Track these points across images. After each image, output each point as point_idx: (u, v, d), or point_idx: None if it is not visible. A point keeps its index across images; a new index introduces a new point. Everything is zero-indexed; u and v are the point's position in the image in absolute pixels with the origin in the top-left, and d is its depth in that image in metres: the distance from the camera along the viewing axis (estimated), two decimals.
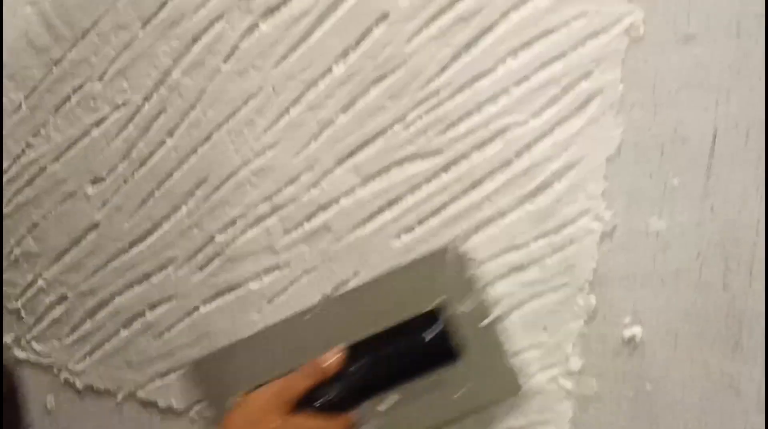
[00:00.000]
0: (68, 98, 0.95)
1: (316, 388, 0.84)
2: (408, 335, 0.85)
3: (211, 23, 0.88)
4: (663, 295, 0.82)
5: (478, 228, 0.85)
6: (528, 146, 0.82)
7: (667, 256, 0.81)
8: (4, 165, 0.98)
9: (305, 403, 0.83)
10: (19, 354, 1.05)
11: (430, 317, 0.84)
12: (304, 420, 0.82)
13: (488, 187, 0.84)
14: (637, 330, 0.83)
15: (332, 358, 0.85)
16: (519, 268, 0.85)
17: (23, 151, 0.98)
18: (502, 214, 0.84)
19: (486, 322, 0.84)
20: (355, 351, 0.86)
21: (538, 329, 0.85)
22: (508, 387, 0.85)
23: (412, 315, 0.85)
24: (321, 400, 0.84)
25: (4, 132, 0.98)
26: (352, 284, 0.90)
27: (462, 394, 0.85)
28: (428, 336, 0.84)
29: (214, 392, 0.90)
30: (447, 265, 0.85)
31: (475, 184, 0.85)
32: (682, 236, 0.80)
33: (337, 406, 0.84)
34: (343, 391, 0.85)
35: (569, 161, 0.82)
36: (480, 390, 0.85)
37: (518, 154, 0.83)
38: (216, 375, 0.90)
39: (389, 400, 0.86)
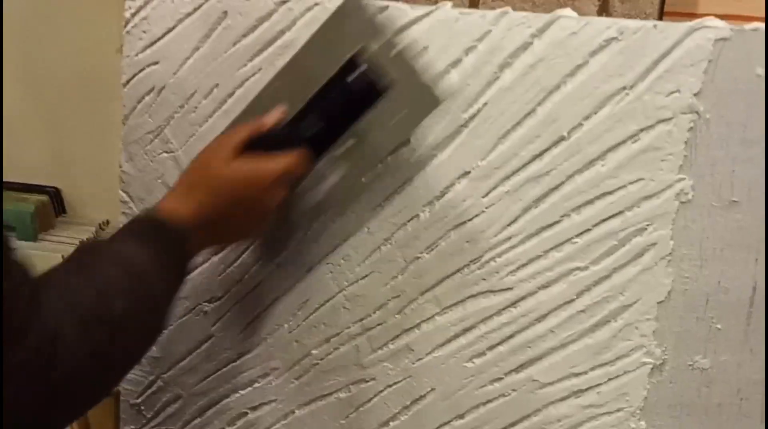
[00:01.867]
0: None
1: (263, 139, 0.79)
2: (338, 84, 0.81)
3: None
4: (706, 425, 0.83)
5: (542, 356, 0.87)
6: (588, 288, 0.84)
7: (710, 390, 0.82)
8: None
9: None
10: None
11: (352, 64, 0.80)
12: (248, 159, 0.77)
13: (552, 321, 0.86)
14: None
15: (270, 113, 0.81)
16: (578, 392, 0.86)
17: None
18: (564, 345, 0.86)
19: (396, 51, 0.80)
20: (304, 114, 0.82)
21: None
22: (431, 101, 0.82)
23: (336, 68, 0.81)
24: (263, 139, 0.79)
25: None
26: (429, 399, 0.92)
27: (397, 119, 0.82)
28: (351, 78, 0.80)
29: None
30: (353, 15, 0.81)
31: (540, 318, 0.86)
32: (724, 374, 0.82)
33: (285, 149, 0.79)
34: (286, 132, 0.80)
35: (625, 303, 0.83)
36: (410, 110, 0.82)
37: (579, 294, 0.85)
38: None
39: (343, 146, 0.84)
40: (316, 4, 0.88)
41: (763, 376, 0.81)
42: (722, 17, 0.80)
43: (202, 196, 0.75)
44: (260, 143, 0.79)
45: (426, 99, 0.82)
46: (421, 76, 0.81)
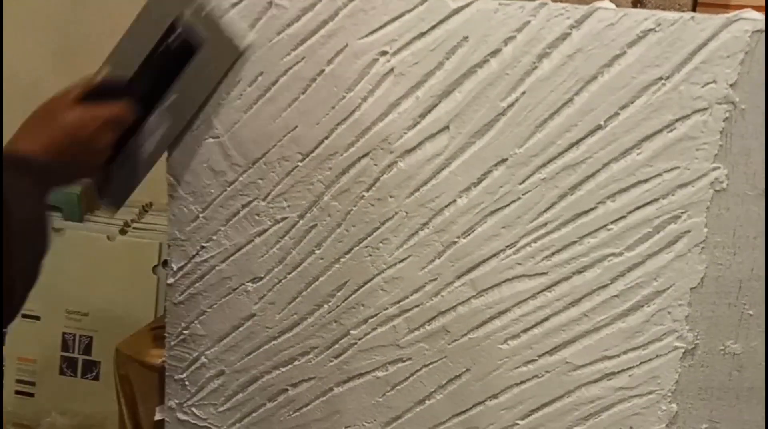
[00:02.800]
0: (237, 212, 0.98)
1: (100, 92, 0.89)
2: (160, 46, 0.93)
3: (359, 159, 0.91)
4: (737, 408, 0.83)
5: (576, 339, 0.87)
6: (622, 274, 0.85)
7: (741, 374, 0.83)
8: (181, 263, 1.02)
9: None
10: (181, 417, 1.07)
11: (173, 29, 0.92)
12: (83, 106, 0.87)
13: (586, 305, 0.87)
14: None
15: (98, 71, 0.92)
16: (610, 375, 0.87)
17: (198, 252, 1.01)
18: (597, 329, 0.87)
19: (205, 12, 0.92)
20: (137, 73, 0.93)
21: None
22: (234, 51, 0.93)
23: (160, 35, 0.92)
24: (91, 90, 0.89)
25: (183, 237, 1.02)
26: (464, 379, 0.93)
27: (209, 71, 0.94)
28: (170, 40, 0.92)
29: None
30: None
31: (574, 302, 0.87)
32: (755, 358, 0.82)
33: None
34: (121, 88, 0.91)
35: (658, 288, 0.84)
36: (218, 60, 0.93)
37: (613, 279, 0.85)
38: None
39: (168, 100, 0.93)
40: None
41: None
42: (757, 9, 0.80)
43: (47, 137, 0.85)
44: (98, 96, 0.89)
45: (230, 50, 0.93)
46: (226, 31, 0.92)
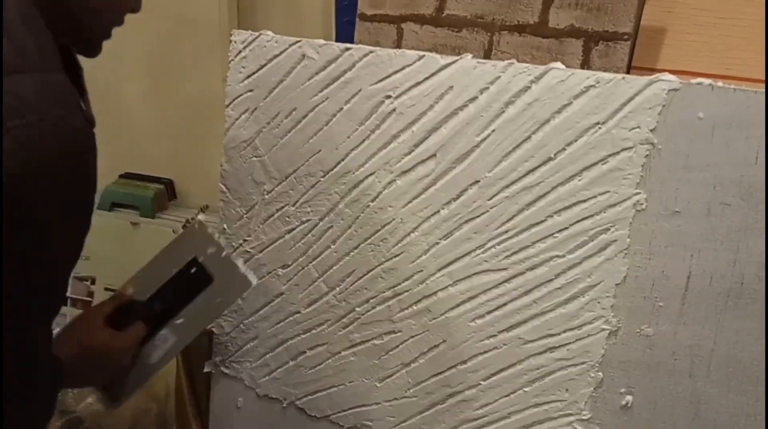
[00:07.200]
0: (272, 214, 1.02)
1: (124, 311, 0.89)
2: (178, 277, 0.92)
3: (366, 177, 0.95)
4: (648, 377, 0.85)
5: (527, 320, 0.90)
6: (564, 271, 0.87)
7: (653, 351, 0.84)
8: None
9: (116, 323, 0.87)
10: (223, 370, 1.10)
11: (192, 263, 0.92)
12: (109, 333, 0.85)
13: (536, 295, 0.89)
14: (629, 397, 0.86)
15: (123, 289, 0.91)
16: (552, 348, 0.89)
17: (240, 244, 1.05)
18: (543, 313, 0.89)
19: (224, 254, 0.92)
20: (155, 296, 0.92)
21: (562, 390, 0.89)
22: (245, 285, 0.91)
23: (181, 267, 0.92)
24: (124, 311, 0.89)
25: (230, 231, 1.05)
26: (441, 348, 0.95)
27: (218, 300, 0.91)
28: (185, 273, 0.92)
29: None
30: (194, 233, 0.93)
31: (527, 292, 0.89)
32: (663, 339, 0.84)
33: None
34: (140, 308, 0.91)
35: (591, 284, 0.86)
36: (229, 293, 0.92)
37: (557, 275, 0.87)
38: None
39: (180, 320, 0.91)
40: (371, 52, 0.93)
41: (692, 345, 0.84)
42: (674, 72, 0.83)
43: (74, 351, 0.82)
44: (123, 313, 0.89)
45: (242, 283, 0.91)
46: (239, 269, 0.91)
